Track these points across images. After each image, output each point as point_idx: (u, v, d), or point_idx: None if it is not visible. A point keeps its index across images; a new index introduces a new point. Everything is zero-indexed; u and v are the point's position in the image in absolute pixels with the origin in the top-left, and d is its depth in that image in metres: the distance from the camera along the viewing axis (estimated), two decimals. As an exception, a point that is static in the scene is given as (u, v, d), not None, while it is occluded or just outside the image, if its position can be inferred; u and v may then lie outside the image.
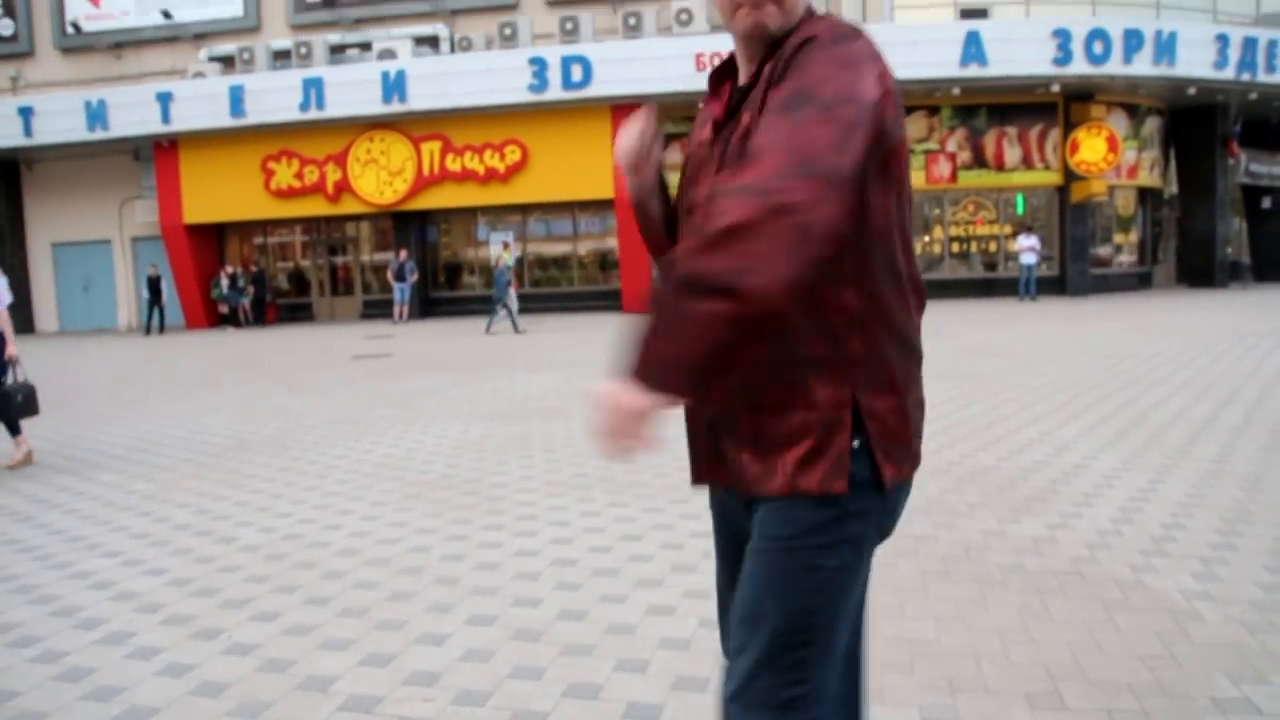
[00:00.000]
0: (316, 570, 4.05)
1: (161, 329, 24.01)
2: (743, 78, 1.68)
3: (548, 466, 6.03)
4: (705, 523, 4.49)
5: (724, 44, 21.78)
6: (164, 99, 24.03)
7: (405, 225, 25.01)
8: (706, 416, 1.71)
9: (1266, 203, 30.10)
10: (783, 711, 1.57)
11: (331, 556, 4.24)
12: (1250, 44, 23.08)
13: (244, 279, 25.35)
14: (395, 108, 23.24)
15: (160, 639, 3.34)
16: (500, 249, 19.87)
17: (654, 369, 1.38)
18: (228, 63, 26.06)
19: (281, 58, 25.60)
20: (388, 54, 24.51)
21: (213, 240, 26.40)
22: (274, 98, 23.65)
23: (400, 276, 23.61)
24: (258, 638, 3.31)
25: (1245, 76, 23.09)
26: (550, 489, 5.40)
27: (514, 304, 18.92)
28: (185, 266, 25.20)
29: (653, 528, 4.52)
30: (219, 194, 24.68)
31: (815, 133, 1.37)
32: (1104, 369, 9.74)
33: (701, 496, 4.89)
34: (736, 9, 1.61)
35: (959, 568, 3.82)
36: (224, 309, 24.93)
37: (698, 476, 1.81)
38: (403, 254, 23.92)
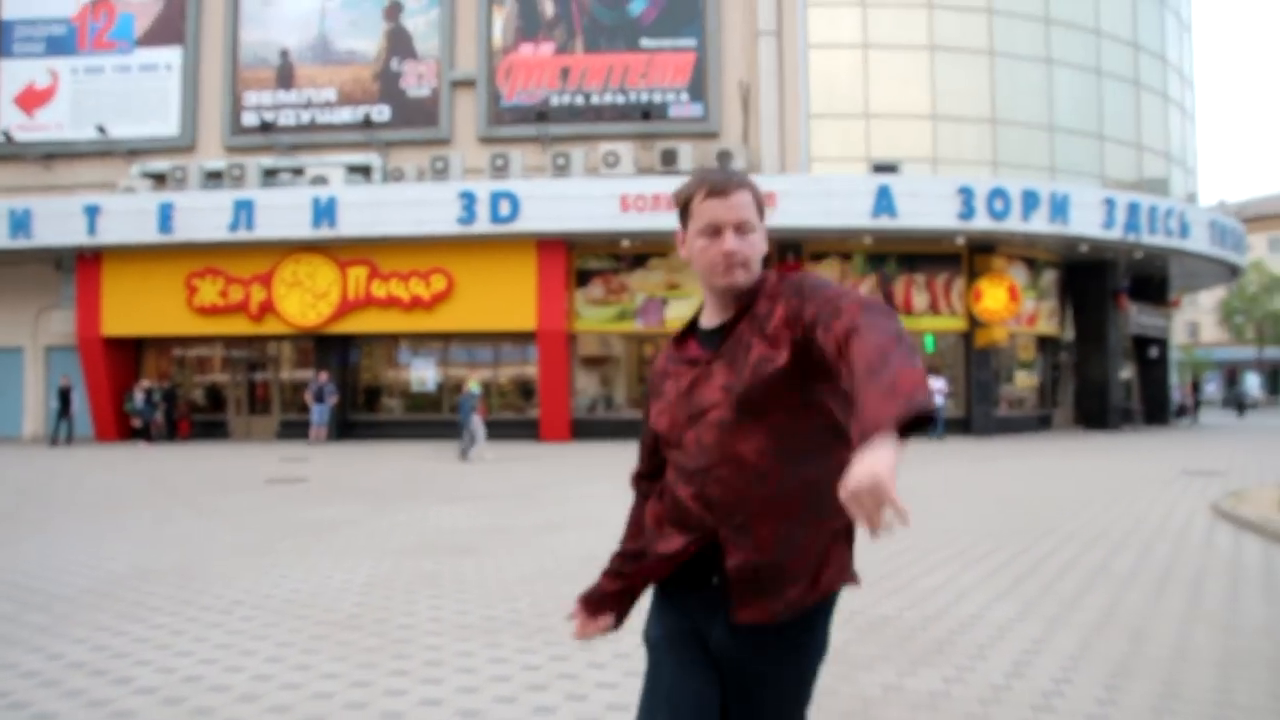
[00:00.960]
0: (215, 717, 4.00)
1: (69, 440, 23.45)
2: (714, 320, 2.14)
3: (457, 608, 6.02)
4: (611, 672, 4.57)
5: (648, 187, 22.64)
6: (91, 211, 24.00)
7: (327, 347, 24.98)
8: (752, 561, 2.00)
9: (1154, 352, 31.85)
10: None
11: (231, 702, 4.18)
12: (1134, 208, 24.75)
13: (159, 393, 24.92)
14: (324, 232, 23.48)
15: (51, 791, 3.27)
16: (471, 381, 19.97)
17: (916, 394, 1.62)
18: (159, 179, 26.22)
19: (214, 178, 25.80)
20: (320, 180, 24.85)
21: (130, 353, 26.04)
22: (204, 216, 23.78)
23: (319, 398, 23.40)
24: (154, 791, 3.26)
25: (1130, 237, 24.63)
26: (458, 633, 5.40)
27: (480, 430, 18.83)
28: (99, 378, 24.77)
29: (558, 677, 4.56)
30: (140, 308, 24.53)
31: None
32: (1003, 512, 10.08)
33: (607, 645, 4.98)
34: (714, 272, 2.07)
35: (855, 723, 3.93)
36: (137, 423, 24.35)
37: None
38: (322, 376, 23.77)
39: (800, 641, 2.05)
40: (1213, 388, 37.77)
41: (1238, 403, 37.52)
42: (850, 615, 5.76)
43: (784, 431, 1.99)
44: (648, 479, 2.37)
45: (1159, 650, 4.99)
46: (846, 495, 1.55)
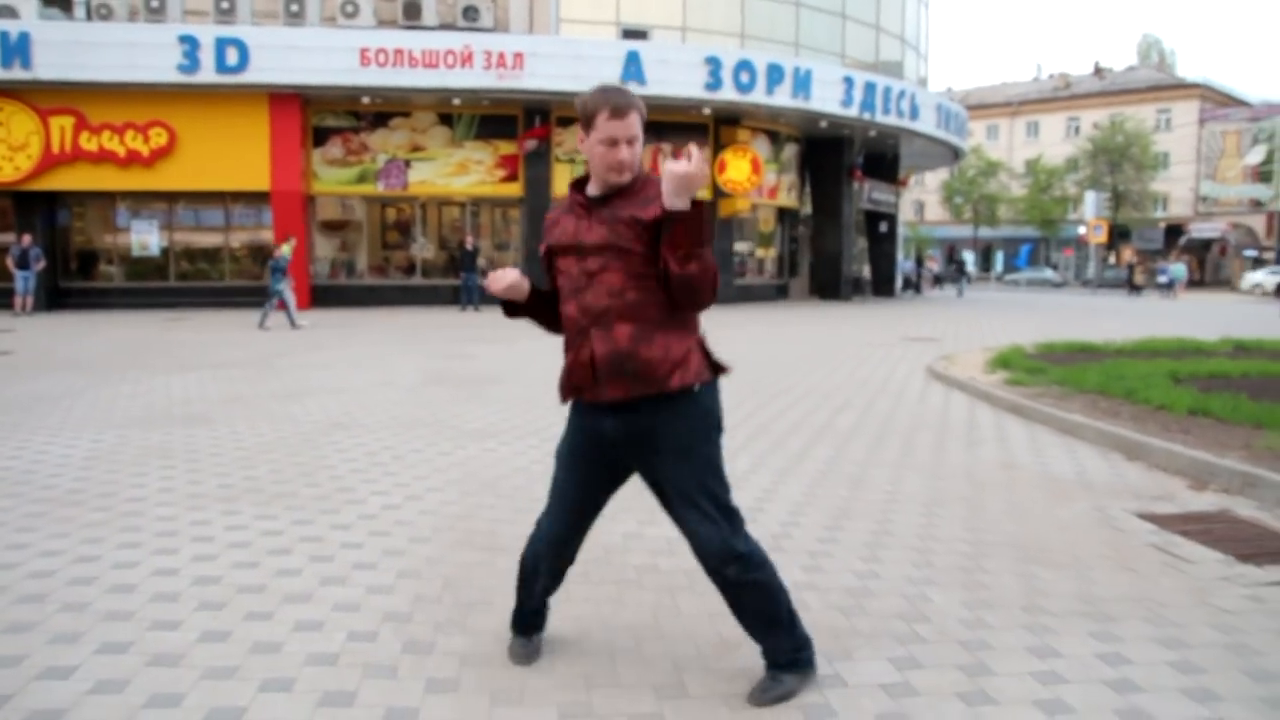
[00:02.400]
0: (-86, 602, 3.65)
1: None
2: (596, 191, 2.88)
3: (190, 478, 5.73)
4: (355, 534, 4.51)
5: (390, 41, 21.57)
6: None
7: (29, 207, 22.52)
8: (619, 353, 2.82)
9: (884, 227, 34.10)
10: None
11: (-67, 586, 3.83)
12: (870, 88, 25.98)
13: None
14: (17, 74, 20.89)
15: None
16: (285, 245, 18.23)
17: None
18: None
19: None
20: (7, 12, 21.93)
21: None
22: None
23: (23, 264, 21.12)
24: None
25: (866, 115, 25.92)
26: (193, 502, 5.15)
27: (290, 297, 17.61)
28: None
29: (301, 540, 4.46)
30: None
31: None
32: (740, 376, 10.60)
33: (351, 508, 4.90)
34: (607, 171, 2.81)
35: (600, 570, 4.08)
36: None
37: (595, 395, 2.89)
38: (25, 239, 21.44)
39: (670, 416, 2.88)
40: (936, 264, 40.95)
41: (958, 276, 40.44)
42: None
43: (638, 270, 2.80)
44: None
45: (875, 495, 5.45)
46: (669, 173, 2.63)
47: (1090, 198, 42.66)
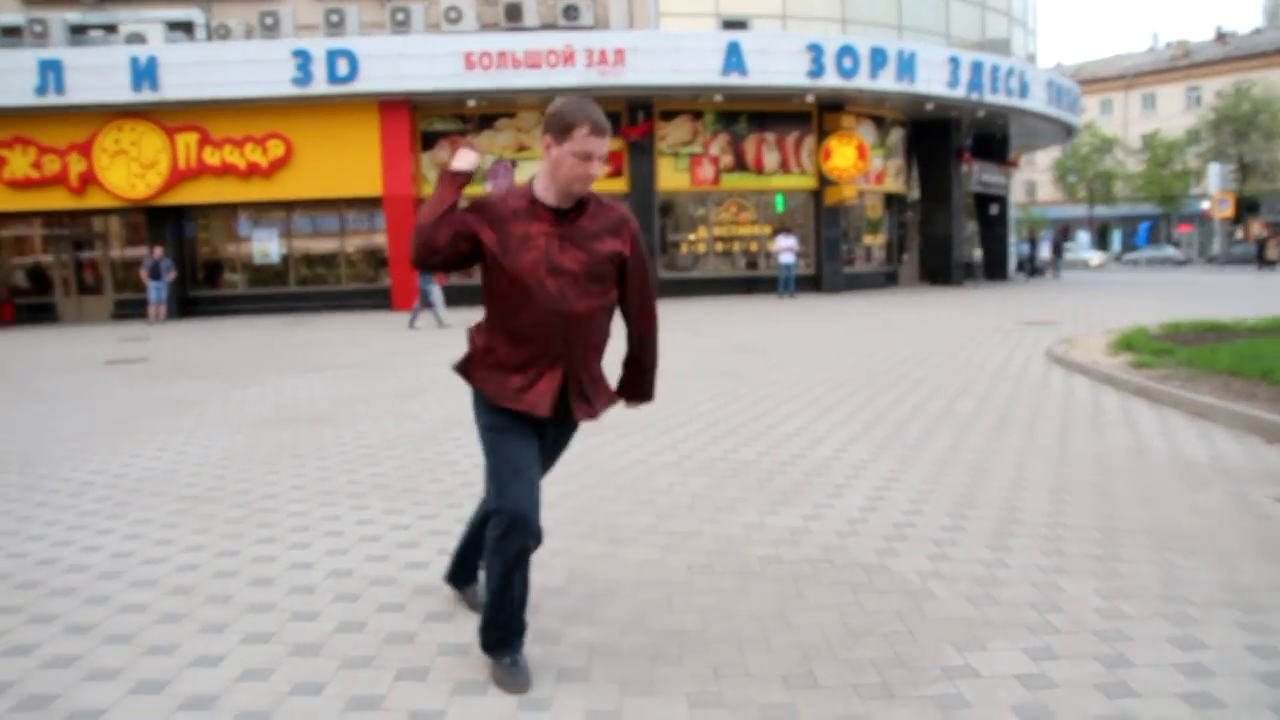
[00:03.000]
0: (76, 596, 3.85)
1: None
2: (553, 202, 2.93)
3: (320, 475, 5.93)
4: (484, 528, 4.59)
5: (494, 43, 21.88)
6: (-127, 74, 21.55)
7: (160, 220, 23.56)
8: (583, 381, 3.02)
9: (994, 209, 33.17)
10: None
11: (92, 581, 4.04)
12: (977, 67, 25.30)
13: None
14: (146, 96, 21.87)
15: (-101, 679, 3.11)
16: None
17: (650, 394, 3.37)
18: (-54, 37, 23.73)
19: (11, 34, 23.52)
20: (136, 38, 23.00)
21: (-63, 234, 23.89)
22: (5, 78, 21.70)
23: (155, 275, 22.17)
24: (12, 674, 3.14)
25: (974, 95, 25.26)
26: (324, 498, 5.33)
27: (439, 297, 18.14)
28: (-96, 263, 22.74)
29: (429, 534, 4.57)
30: (-58, 184, 22.38)
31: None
32: (854, 365, 10.48)
33: (475, 502, 4.99)
34: (574, 182, 2.86)
35: (722, 560, 4.08)
36: (-48, 309, 22.60)
37: (569, 414, 3.05)
38: (157, 251, 22.49)
39: (572, 429, 3.20)
40: (1046, 245, 39.36)
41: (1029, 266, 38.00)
42: (710, 462, 5.94)
43: (604, 300, 2.98)
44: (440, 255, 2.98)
45: (999, 482, 5.32)
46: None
47: (1214, 170, 40.66)
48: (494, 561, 2.93)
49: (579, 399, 3.00)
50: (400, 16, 23.47)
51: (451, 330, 16.95)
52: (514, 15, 23.79)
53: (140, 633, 3.45)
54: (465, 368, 3.08)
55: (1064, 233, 54.07)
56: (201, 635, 3.42)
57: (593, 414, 3.06)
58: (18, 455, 6.90)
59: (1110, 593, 3.62)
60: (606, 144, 2.88)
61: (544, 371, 2.94)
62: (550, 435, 3.13)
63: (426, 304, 18.03)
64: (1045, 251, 38.30)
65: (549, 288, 2.86)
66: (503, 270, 2.90)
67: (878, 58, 23.48)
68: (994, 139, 31.94)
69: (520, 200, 2.94)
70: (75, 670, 3.15)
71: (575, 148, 2.81)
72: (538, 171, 2.99)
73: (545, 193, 2.93)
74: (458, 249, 2.94)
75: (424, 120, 23.94)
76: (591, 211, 2.95)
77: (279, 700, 2.90)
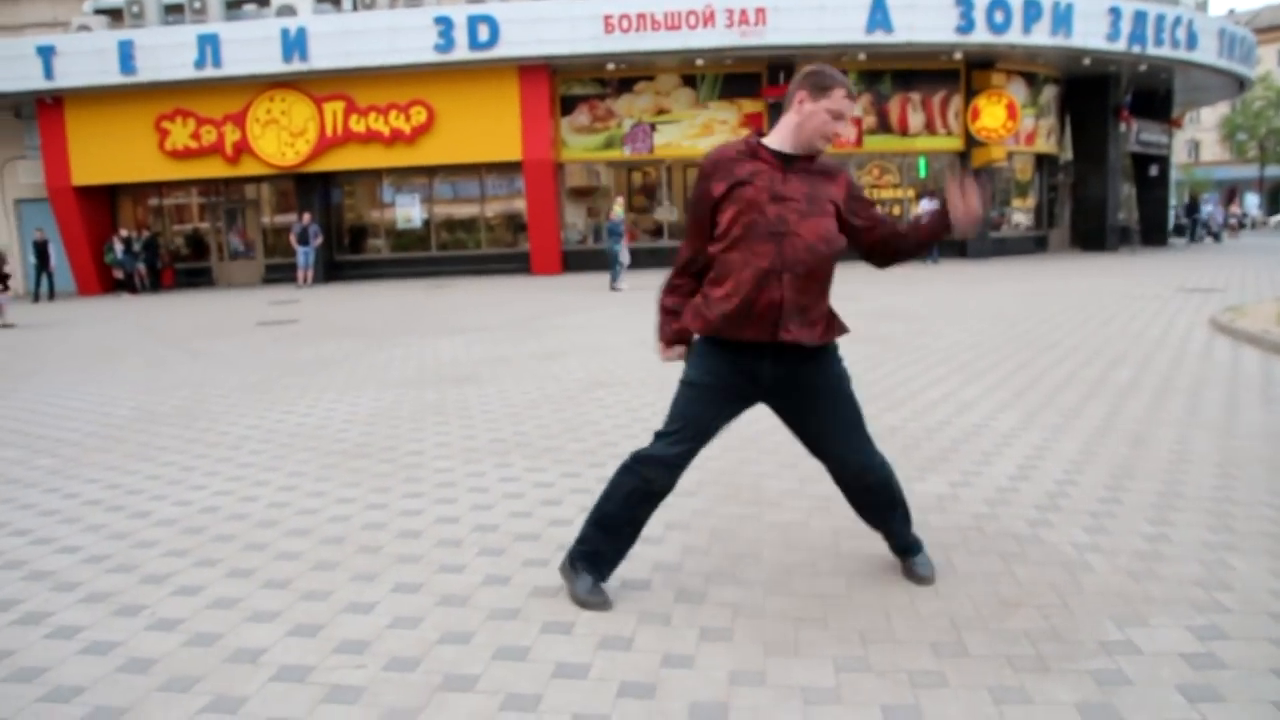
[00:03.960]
0: (237, 543, 4.03)
1: (51, 295, 23.05)
2: (784, 148, 3.13)
3: (464, 433, 6.05)
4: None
5: (633, 6, 21.80)
6: (46, 53, 22.95)
7: (308, 187, 24.48)
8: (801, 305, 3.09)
9: (1154, 170, 31.40)
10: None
11: (251, 528, 4.22)
12: (1140, 17, 23.87)
13: (139, 243, 24.45)
14: (296, 66, 22.66)
15: (80, 617, 3.30)
16: (616, 204, 19.29)
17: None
18: (115, 15, 25.05)
19: (174, 12, 24.71)
20: (287, 10, 23.78)
21: (104, 203, 25.37)
22: (167, 54, 22.82)
23: (304, 240, 23.07)
24: (182, 612, 3.30)
25: (1136, 48, 23.89)
26: (467, 455, 5.44)
27: (625, 258, 18.52)
28: (75, 230, 24.23)
29: (571, 492, 4.61)
30: (109, 154, 23.74)
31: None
32: (1002, 331, 10.11)
33: (616, 462, 5.01)
34: (819, 138, 3.09)
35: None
36: (119, 274, 24.00)
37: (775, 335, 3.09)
38: (305, 217, 23.38)
39: (825, 363, 3.22)
40: (1210, 208, 36.96)
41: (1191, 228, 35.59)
42: (855, 429, 5.80)
43: (824, 230, 3.10)
44: (692, 278, 3.28)
45: (1160, 454, 5.04)
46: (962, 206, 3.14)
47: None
48: (622, 478, 3.26)
49: (794, 322, 3.07)
50: (540, -19, 23.60)
51: (617, 295, 17.06)
52: (652, -24, 23.62)
53: (297, 578, 3.59)
54: (683, 323, 3.26)
55: (1230, 195, 50.85)
56: (353, 583, 3.52)
57: (810, 337, 3.10)
58: (180, 410, 7.27)
59: (1287, 572, 3.39)
60: (854, 106, 3.21)
61: (764, 289, 3.03)
62: (783, 382, 3.19)
63: (619, 263, 18.25)
64: (1219, 214, 36.07)
65: (770, 213, 3.03)
66: (729, 204, 3.08)
67: (1031, 10, 22.42)
68: (1156, 95, 30.14)
69: (744, 146, 3.15)
70: (238, 611, 3.29)
71: (830, 105, 3.05)
72: (775, 128, 3.19)
73: (779, 144, 3.13)
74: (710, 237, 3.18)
75: (563, 84, 24.09)
76: (818, 166, 3.15)
77: (428, 648, 2.96)
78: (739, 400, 3.23)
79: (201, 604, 3.37)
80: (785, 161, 3.10)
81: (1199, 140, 63.70)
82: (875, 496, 3.36)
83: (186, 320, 15.43)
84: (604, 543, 3.26)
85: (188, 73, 22.84)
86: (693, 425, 3.18)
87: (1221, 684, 2.62)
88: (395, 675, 2.79)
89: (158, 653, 2.98)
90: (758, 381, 3.18)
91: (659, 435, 3.22)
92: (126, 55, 22.82)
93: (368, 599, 3.36)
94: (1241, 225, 40.79)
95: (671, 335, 3.30)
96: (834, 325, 3.21)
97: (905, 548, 3.46)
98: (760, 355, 3.13)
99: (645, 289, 17.83)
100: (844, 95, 3.07)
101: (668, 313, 3.30)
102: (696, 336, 3.25)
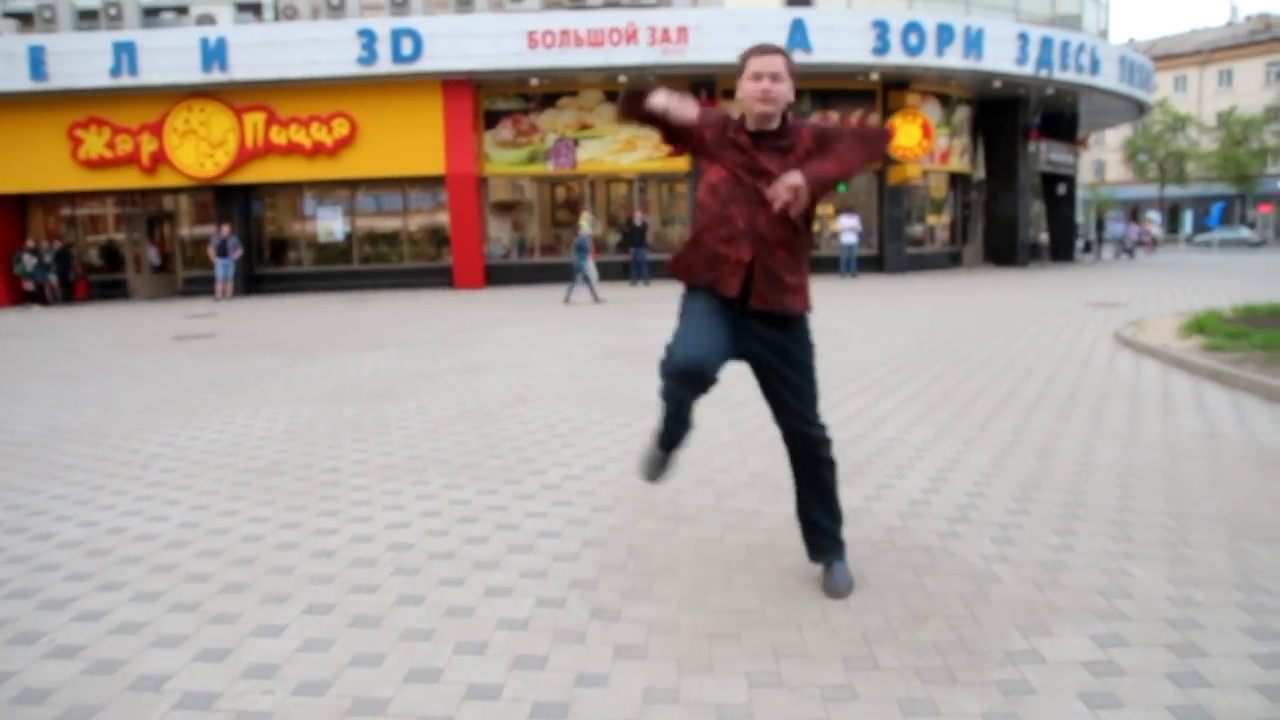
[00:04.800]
0: (143, 565, 3.93)
1: (-46, 308, 22.24)
2: (753, 127, 3.26)
3: (381, 450, 5.99)
4: (539, 503, 4.60)
5: (557, 22, 21.88)
6: (-48, 57, 22.14)
7: (227, 199, 24.01)
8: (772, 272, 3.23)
9: (1062, 189, 32.46)
10: None
11: (159, 550, 4.12)
12: (1047, 43, 24.69)
13: (50, 254, 23.70)
14: (216, 76, 22.26)
15: (-27, 643, 3.19)
16: (583, 219, 19.17)
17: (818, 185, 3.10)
18: (26, 20, 24.30)
19: (88, 18, 24.06)
20: (206, 19, 23.42)
21: (14, 213, 24.64)
22: (81, 60, 22.23)
23: (223, 253, 22.60)
24: (82, 639, 3.21)
25: (1043, 73, 24.67)
26: (384, 473, 5.38)
27: (594, 273, 18.34)
28: (-18, 240, 23.41)
29: (488, 509, 4.58)
30: (19, 163, 23.05)
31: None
32: (917, 345, 10.32)
33: (534, 478, 5.02)
34: (751, 102, 3.20)
35: (782, 540, 4.03)
36: (29, 286, 23.22)
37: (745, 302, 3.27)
38: (225, 229, 22.92)
39: (798, 333, 3.38)
40: (1122, 226, 38.30)
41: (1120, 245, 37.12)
42: (770, 441, 5.84)
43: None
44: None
45: (1065, 465, 5.20)
46: (776, 186, 3.04)
47: (1294, 149, 39.33)
48: (667, 400, 3.46)
49: (764, 287, 3.22)
50: (464, -5, 23.55)
51: (490, 307, 17.01)
52: (577, -7, 23.75)
53: (205, 601, 3.51)
54: (673, 266, 3.40)
55: (1133, 213, 52.58)
56: (264, 605, 3.46)
57: (776, 304, 3.24)
58: (89, 428, 7.07)
59: (1181, 580, 3.51)
60: (774, 61, 3.19)
61: (734, 248, 3.20)
62: (754, 336, 3.31)
63: (583, 279, 18.16)
64: (1133, 231, 37.35)
65: (745, 176, 3.19)
66: (710, 169, 3.27)
67: (944, 34, 23.04)
68: (1063, 117, 31.21)
69: (727, 119, 3.31)
70: (142, 636, 3.21)
71: (747, 74, 3.19)
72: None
73: (749, 123, 3.27)
74: (667, 122, 3.25)
75: (487, 99, 24.03)
76: (784, 136, 3.25)
77: (339, 670, 2.92)
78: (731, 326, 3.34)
79: (103, 630, 3.27)
80: (756, 139, 3.24)
81: (1104, 160, 65.97)
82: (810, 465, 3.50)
83: (99, 334, 15.00)
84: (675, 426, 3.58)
85: (103, 80, 22.27)
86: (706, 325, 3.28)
87: (1120, 690, 2.71)
88: (305, 700, 2.75)
89: (55, 682, 2.89)
90: (738, 318, 3.33)
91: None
92: (37, 61, 22.17)
93: (278, 621, 3.31)
94: (1155, 242, 42.26)
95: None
96: (805, 299, 3.37)
97: (825, 549, 3.54)
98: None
99: (553, 303, 17.82)
100: (753, 55, 3.19)
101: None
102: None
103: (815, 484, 3.49)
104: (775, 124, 3.25)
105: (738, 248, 3.19)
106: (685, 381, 3.21)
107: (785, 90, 3.22)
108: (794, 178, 3.01)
